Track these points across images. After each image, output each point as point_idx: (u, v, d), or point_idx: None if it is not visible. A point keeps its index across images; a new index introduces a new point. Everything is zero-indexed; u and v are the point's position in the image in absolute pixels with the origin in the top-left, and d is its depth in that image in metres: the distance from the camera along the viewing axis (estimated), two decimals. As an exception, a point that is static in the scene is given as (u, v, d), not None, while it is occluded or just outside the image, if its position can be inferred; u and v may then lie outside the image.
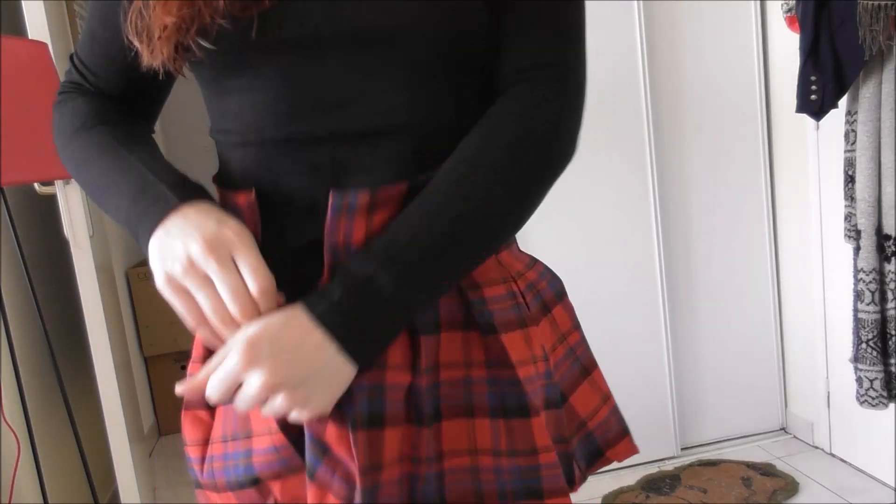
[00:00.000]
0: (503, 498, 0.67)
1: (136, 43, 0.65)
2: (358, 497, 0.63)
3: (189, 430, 0.73)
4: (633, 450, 0.78)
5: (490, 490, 0.67)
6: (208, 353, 0.72)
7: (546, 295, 0.75)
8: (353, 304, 0.59)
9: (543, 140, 0.64)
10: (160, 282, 0.62)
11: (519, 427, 0.67)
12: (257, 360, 0.57)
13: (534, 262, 0.77)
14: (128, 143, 0.70)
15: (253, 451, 0.68)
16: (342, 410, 0.63)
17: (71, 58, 0.78)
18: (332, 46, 0.62)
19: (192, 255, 0.60)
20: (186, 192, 0.64)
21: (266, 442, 0.67)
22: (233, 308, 0.59)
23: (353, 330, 0.59)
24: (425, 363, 0.65)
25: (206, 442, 0.72)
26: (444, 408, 0.66)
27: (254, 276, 0.60)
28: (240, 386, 0.59)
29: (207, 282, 0.60)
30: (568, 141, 0.66)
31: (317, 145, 0.64)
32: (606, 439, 0.78)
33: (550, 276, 0.77)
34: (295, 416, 0.59)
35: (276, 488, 0.68)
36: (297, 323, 0.58)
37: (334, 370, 0.59)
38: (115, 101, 0.76)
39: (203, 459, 0.72)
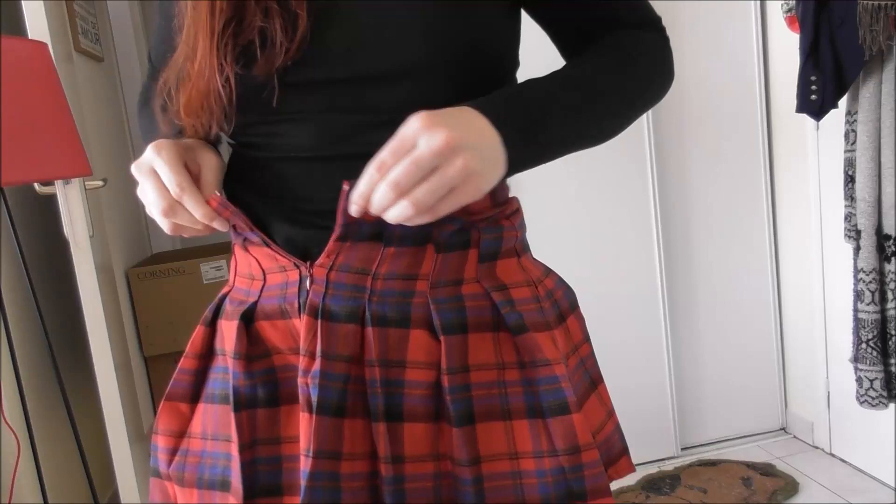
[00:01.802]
0: (547, 503, 0.66)
1: (167, 118, 0.71)
2: (383, 485, 0.64)
3: (165, 420, 0.73)
4: (631, 468, 0.78)
5: (533, 496, 0.66)
6: (204, 348, 0.73)
7: (562, 304, 0.76)
8: (512, 107, 0.62)
9: (661, 53, 0.74)
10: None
11: (559, 426, 0.66)
12: (438, 124, 0.57)
13: (548, 271, 0.78)
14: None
15: (231, 456, 0.69)
16: (361, 405, 0.65)
17: (148, 55, 0.88)
18: (345, 87, 0.65)
19: (133, 171, 0.68)
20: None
21: (235, 451, 0.68)
22: (157, 201, 0.66)
23: (513, 128, 0.61)
24: (446, 363, 0.65)
25: (180, 434, 0.73)
26: (478, 410, 0.66)
27: (168, 177, 0.66)
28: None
29: (152, 174, 0.68)
30: (673, 72, 0.75)
31: (330, 163, 0.66)
32: (609, 456, 0.76)
33: (565, 287, 0.78)
34: (457, 195, 0.59)
35: (230, 499, 0.68)
36: (469, 114, 0.60)
37: (499, 158, 0.60)
38: None
39: (173, 450, 0.73)
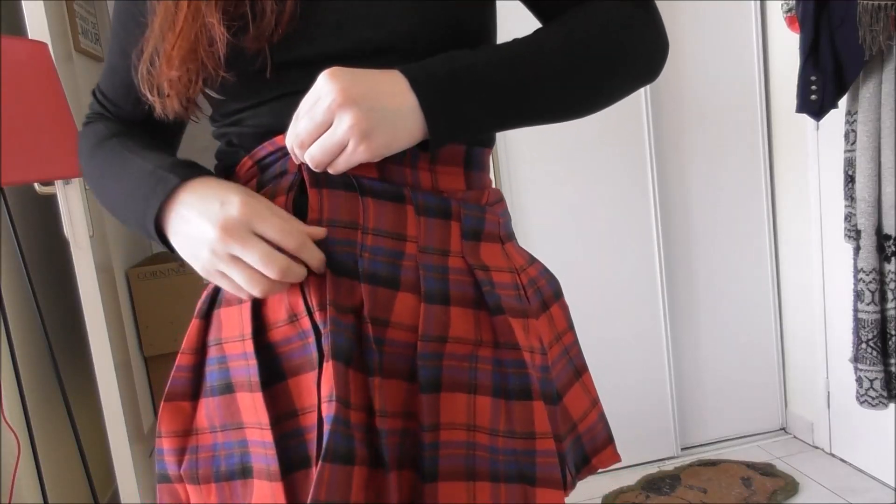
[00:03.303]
0: (495, 478, 0.67)
1: (149, 96, 0.68)
2: (379, 423, 0.64)
3: (168, 421, 0.72)
4: (616, 458, 0.78)
5: (482, 468, 0.67)
6: (199, 343, 0.73)
7: (545, 292, 0.77)
8: (447, 77, 0.61)
9: (634, 23, 0.69)
10: (202, 274, 0.66)
11: (519, 409, 0.67)
12: (338, 79, 0.59)
13: (533, 260, 0.79)
14: (135, 147, 0.73)
15: (248, 441, 0.68)
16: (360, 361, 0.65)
17: (93, 92, 0.82)
18: (336, 63, 0.65)
19: (212, 245, 0.62)
20: (184, 171, 0.66)
21: (256, 436, 0.67)
22: (271, 273, 0.61)
23: (438, 98, 0.61)
24: (423, 330, 0.66)
25: (185, 433, 0.72)
26: (446, 380, 0.67)
27: (283, 236, 0.62)
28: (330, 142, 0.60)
29: (236, 260, 0.62)
30: (662, 45, 0.72)
31: None
32: (594, 445, 0.78)
33: (549, 276, 0.79)
34: (347, 152, 0.60)
35: (256, 487, 0.67)
36: (389, 76, 0.61)
37: (406, 120, 0.60)
38: (137, 126, 0.79)
39: (181, 451, 0.72)
